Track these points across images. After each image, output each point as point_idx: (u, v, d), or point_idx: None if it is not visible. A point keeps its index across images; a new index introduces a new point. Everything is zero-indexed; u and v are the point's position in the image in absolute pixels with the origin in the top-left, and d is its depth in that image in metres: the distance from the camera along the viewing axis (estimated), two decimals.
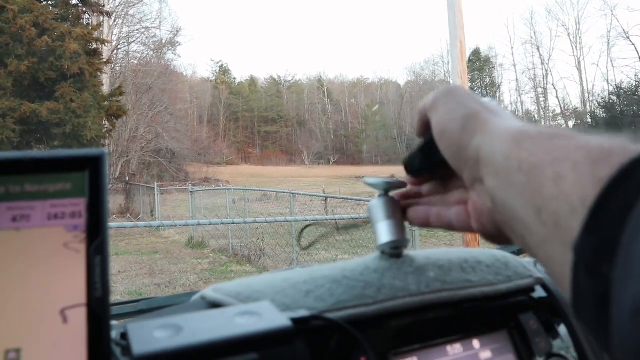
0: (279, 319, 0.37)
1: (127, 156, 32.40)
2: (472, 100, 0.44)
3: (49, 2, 17.99)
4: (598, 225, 0.28)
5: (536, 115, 64.34)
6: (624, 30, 52.73)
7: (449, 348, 0.48)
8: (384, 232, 0.50)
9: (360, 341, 0.41)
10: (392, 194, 0.53)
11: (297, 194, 9.95)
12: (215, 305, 0.45)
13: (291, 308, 0.42)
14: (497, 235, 0.41)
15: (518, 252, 0.68)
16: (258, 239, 9.11)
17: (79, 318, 0.33)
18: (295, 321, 0.37)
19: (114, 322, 0.46)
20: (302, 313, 0.39)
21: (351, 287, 0.46)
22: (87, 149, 0.35)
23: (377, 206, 0.51)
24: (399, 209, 0.52)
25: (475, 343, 0.49)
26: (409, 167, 0.52)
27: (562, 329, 0.54)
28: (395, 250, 0.49)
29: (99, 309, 0.33)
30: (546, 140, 0.34)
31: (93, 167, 0.34)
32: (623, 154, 0.29)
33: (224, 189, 14.01)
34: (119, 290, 6.73)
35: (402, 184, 0.52)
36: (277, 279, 0.47)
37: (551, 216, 0.31)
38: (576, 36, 60.32)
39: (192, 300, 0.50)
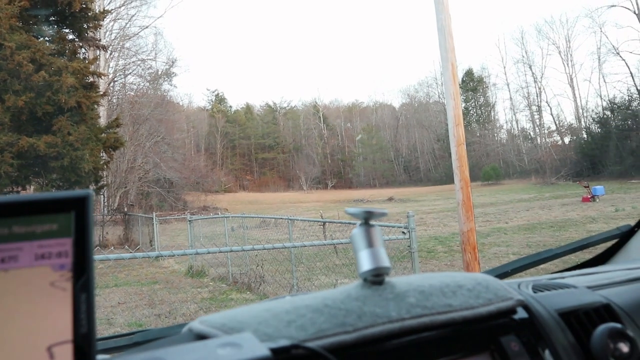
0: (259, 350, 0.38)
1: (125, 187, 32.37)
2: None
3: (46, 38, 18.19)
4: None
5: (532, 133, 64.65)
6: (613, 46, 53.54)
7: None
8: (365, 260, 0.51)
9: None
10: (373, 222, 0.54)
11: (296, 219, 9.93)
12: (201, 336, 0.46)
13: (273, 338, 0.43)
14: None
15: (502, 276, 0.69)
16: (257, 265, 9.06)
17: (65, 354, 0.34)
18: (275, 351, 0.38)
19: (103, 357, 0.47)
20: (282, 342, 0.40)
21: (332, 315, 0.46)
22: (73, 191, 0.36)
23: (358, 235, 0.53)
24: (380, 238, 0.53)
25: None
26: None
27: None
28: (376, 278, 0.50)
29: (84, 345, 0.34)
30: None
31: (79, 207, 0.35)
32: None
33: (222, 217, 13.97)
34: (119, 322, 6.65)
35: (382, 214, 0.53)
36: (261, 310, 0.48)
37: None
38: (567, 54, 61.09)
39: (182, 332, 0.50)
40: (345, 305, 0.48)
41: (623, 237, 1.25)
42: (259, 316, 0.46)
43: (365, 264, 0.51)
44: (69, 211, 0.36)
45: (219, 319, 0.46)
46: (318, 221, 12.25)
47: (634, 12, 48.46)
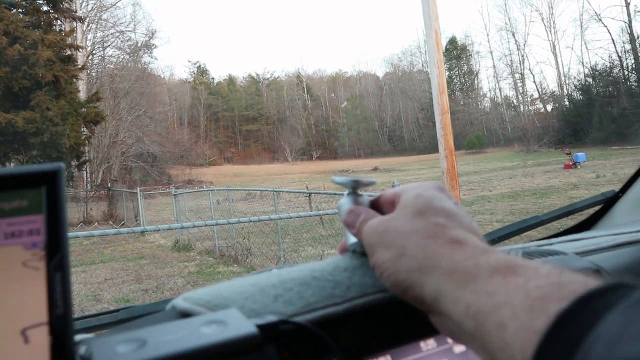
0: (245, 327, 0.36)
1: (108, 162, 32.06)
2: (404, 227, 0.43)
3: (19, 10, 17.67)
4: None
5: (515, 101, 65.00)
6: (595, 12, 53.55)
7: (422, 344, 0.48)
8: None
9: (330, 343, 0.41)
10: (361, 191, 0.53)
11: (281, 191, 9.94)
12: (185, 314, 0.44)
13: (260, 314, 0.42)
14: None
15: (489, 243, 0.68)
16: (244, 238, 9.09)
17: (41, 337, 0.32)
18: (262, 327, 0.37)
19: (85, 336, 0.46)
20: (270, 318, 0.39)
21: (320, 287, 0.45)
22: (43, 165, 0.34)
23: (346, 204, 0.52)
24: (369, 207, 0.52)
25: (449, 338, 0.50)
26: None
27: None
28: (364, 248, 0.49)
29: (60, 327, 0.33)
30: (487, 279, 0.35)
31: (50, 182, 0.33)
32: (558, 297, 0.30)
33: (207, 190, 13.92)
34: (106, 298, 6.66)
35: (370, 183, 0.52)
36: (246, 284, 0.46)
37: None
38: (550, 20, 61.01)
39: (166, 309, 0.49)
40: (334, 276, 0.47)
41: (607, 202, 1.25)
42: (245, 291, 0.45)
43: (353, 236, 0.50)
44: (39, 186, 0.33)
45: (203, 295, 0.45)
46: (304, 192, 12.28)
47: None
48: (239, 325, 0.37)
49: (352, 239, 0.49)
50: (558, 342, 0.28)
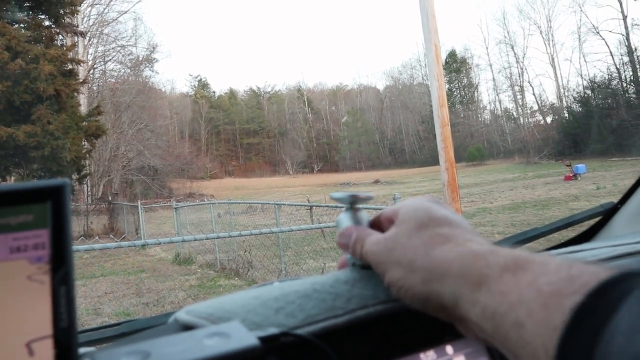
0: (247, 339, 0.37)
1: (109, 175, 32.09)
2: (406, 248, 0.44)
3: (21, 25, 17.80)
4: None
5: (515, 113, 65.15)
6: (593, 25, 53.80)
7: (422, 355, 0.48)
8: None
9: (331, 355, 0.41)
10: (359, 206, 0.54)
11: (282, 204, 9.93)
12: (187, 327, 0.45)
13: (262, 326, 0.42)
14: None
15: None
16: (245, 251, 9.06)
17: (45, 350, 0.33)
18: (264, 339, 0.37)
19: (88, 349, 0.46)
20: (271, 331, 0.39)
21: (321, 300, 0.46)
22: (48, 180, 0.35)
23: (344, 219, 0.52)
24: (367, 222, 0.52)
25: (449, 349, 0.50)
26: None
27: None
28: (365, 262, 0.50)
29: (65, 340, 0.33)
30: (498, 278, 0.36)
31: (55, 197, 0.34)
32: (571, 291, 0.31)
33: (208, 204, 13.91)
34: (106, 312, 6.62)
35: (368, 197, 0.53)
36: (249, 297, 0.47)
37: None
38: (548, 34, 61.36)
39: (169, 322, 0.50)
40: (334, 289, 0.47)
41: (606, 214, 1.26)
42: (247, 304, 0.45)
43: None
44: (44, 201, 0.34)
45: (206, 308, 0.46)
46: (305, 205, 12.27)
47: None
48: (241, 337, 0.37)
49: None
50: (578, 337, 0.29)
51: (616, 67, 49.11)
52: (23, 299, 0.33)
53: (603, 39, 51.60)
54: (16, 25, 17.35)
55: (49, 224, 0.34)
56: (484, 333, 0.37)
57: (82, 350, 0.40)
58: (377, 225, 0.52)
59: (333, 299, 0.46)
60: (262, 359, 0.36)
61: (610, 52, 49.86)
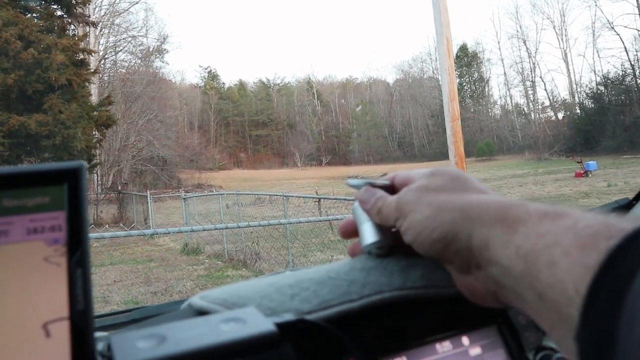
0: (264, 324, 0.37)
1: (119, 165, 32.29)
2: (440, 192, 0.44)
3: (34, 15, 17.90)
4: (593, 318, 0.29)
5: (525, 109, 64.69)
6: (608, 20, 53.21)
7: (438, 346, 0.48)
8: (369, 233, 0.50)
9: (347, 343, 0.41)
10: None
11: (291, 196, 9.95)
12: (201, 312, 0.45)
13: (277, 312, 0.42)
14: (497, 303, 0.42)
15: None
16: (253, 242, 9.10)
17: (62, 332, 0.33)
18: (280, 326, 0.37)
19: (101, 334, 0.46)
20: (287, 317, 0.39)
21: (336, 286, 0.46)
22: (65, 162, 0.34)
23: (360, 207, 0.52)
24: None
25: (465, 340, 0.49)
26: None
27: None
28: (381, 250, 0.49)
29: (81, 322, 0.33)
30: (537, 222, 0.36)
31: (71, 179, 0.34)
32: (609, 235, 0.31)
33: (217, 194, 13.97)
34: (115, 300, 6.69)
35: (385, 185, 0.52)
36: (263, 284, 0.47)
37: (553, 303, 0.33)
38: (561, 28, 60.78)
39: (181, 308, 0.50)
40: (349, 275, 0.47)
41: (621, 210, 1.24)
42: (262, 291, 0.45)
43: (369, 236, 0.50)
44: (61, 183, 0.34)
45: (220, 294, 0.45)
46: (313, 197, 12.28)
47: None
48: (258, 323, 0.37)
49: (368, 240, 0.49)
50: (610, 276, 0.29)
51: (630, 64, 48.59)
52: (40, 280, 0.33)
53: (618, 34, 51.02)
54: (29, 15, 17.45)
55: (66, 206, 0.34)
56: (509, 276, 0.37)
57: (96, 335, 0.40)
58: (391, 190, 0.52)
59: (348, 285, 0.46)
60: (277, 346, 0.36)
61: (625, 48, 49.31)
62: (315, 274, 0.47)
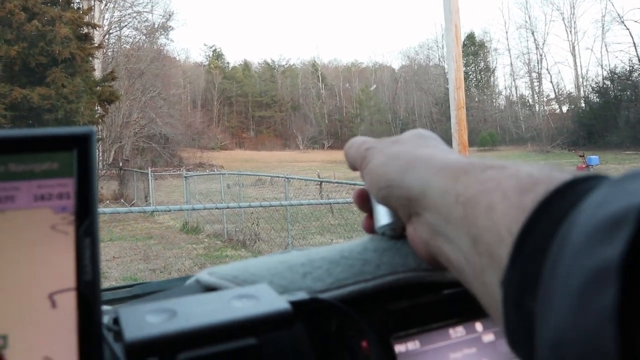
0: (278, 302, 0.35)
1: (121, 141, 32.27)
2: (400, 144, 0.46)
3: None
4: (521, 258, 0.29)
5: (530, 100, 64.39)
6: (618, 14, 52.68)
7: (451, 331, 0.47)
8: (383, 214, 0.48)
9: (361, 324, 0.40)
10: None
11: (292, 178, 9.95)
12: (210, 288, 0.44)
13: (289, 290, 0.41)
14: (434, 263, 0.42)
15: None
16: (253, 223, 9.12)
17: (68, 302, 0.32)
18: (295, 304, 0.36)
19: (106, 307, 0.45)
20: (301, 296, 0.38)
21: (349, 265, 0.45)
22: (75, 127, 0.33)
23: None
24: None
25: (478, 326, 0.48)
26: None
27: None
28: (395, 232, 0.48)
29: (89, 293, 0.32)
30: (480, 172, 0.35)
31: (81, 146, 0.33)
32: (549, 182, 0.31)
33: (218, 174, 13.97)
34: (114, 276, 6.73)
35: None
36: (274, 262, 0.46)
37: (485, 246, 0.32)
38: (571, 21, 60.19)
39: (187, 284, 0.49)
40: (363, 256, 0.46)
41: None
42: (273, 268, 0.44)
43: (383, 218, 0.49)
44: (70, 149, 0.33)
45: (230, 270, 0.44)
46: (315, 180, 12.28)
47: None
48: (272, 300, 0.36)
49: (382, 221, 0.48)
50: (545, 217, 0.29)
51: (638, 59, 48.19)
52: (46, 249, 0.32)
53: (627, 29, 50.52)
54: None
55: (75, 173, 0.33)
56: (449, 221, 0.36)
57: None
58: None
59: (362, 265, 0.45)
60: (291, 325, 0.35)
61: (634, 42, 48.84)
62: (327, 253, 0.46)
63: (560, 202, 0.29)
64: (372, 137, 0.52)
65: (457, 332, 0.47)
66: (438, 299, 0.47)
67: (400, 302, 0.46)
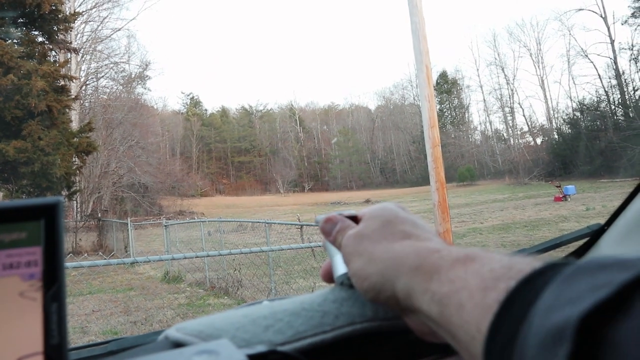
0: (236, 356, 0.37)
1: (99, 192, 31.86)
2: (368, 240, 0.48)
3: (14, 41, 17.81)
4: (492, 357, 0.31)
5: (505, 134, 65.74)
6: (582, 49, 54.81)
7: None
8: (341, 264, 0.51)
9: None
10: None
11: (273, 223, 9.90)
12: (177, 344, 0.45)
13: (251, 343, 0.43)
14: None
15: None
16: (235, 270, 9.00)
17: None
18: (252, 357, 0.37)
19: None
20: (260, 348, 0.40)
21: (309, 317, 0.47)
22: (42, 198, 0.35)
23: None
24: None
25: None
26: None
27: None
28: (352, 281, 0.50)
29: (55, 356, 0.33)
30: (449, 268, 0.39)
31: (48, 215, 0.35)
32: (508, 277, 0.34)
33: (198, 222, 13.85)
34: (93, 331, 6.53)
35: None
36: (239, 315, 0.47)
37: (463, 343, 0.36)
38: (538, 56, 62.35)
39: (158, 340, 0.50)
40: (322, 307, 0.48)
41: (593, 235, 1.27)
42: (237, 322, 0.46)
43: (341, 268, 0.51)
44: (38, 219, 0.35)
45: (196, 325, 0.46)
46: (295, 224, 12.23)
47: (601, 16, 49.80)
48: (230, 355, 0.37)
49: (340, 271, 0.50)
50: (507, 316, 0.31)
51: (604, 90, 49.94)
52: (15, 315, 0.33)
53: (591, 62, 52.51)
54: (9, 41, 17.35)
55: (42, 242, 0.34)
56: (431, 320, 0.39)
57: None
58: (356, 221, 0.55)
59: (321, 317, 0.47)
60: None
61: (599, 74, 50.76)
62: (289, 305, 0.48)
63: (519, 302, 0.31)
64: (342, 211, 0.55)
65: None
66: (396, 345, 0.49)
67: (359, 350, 0.47)
